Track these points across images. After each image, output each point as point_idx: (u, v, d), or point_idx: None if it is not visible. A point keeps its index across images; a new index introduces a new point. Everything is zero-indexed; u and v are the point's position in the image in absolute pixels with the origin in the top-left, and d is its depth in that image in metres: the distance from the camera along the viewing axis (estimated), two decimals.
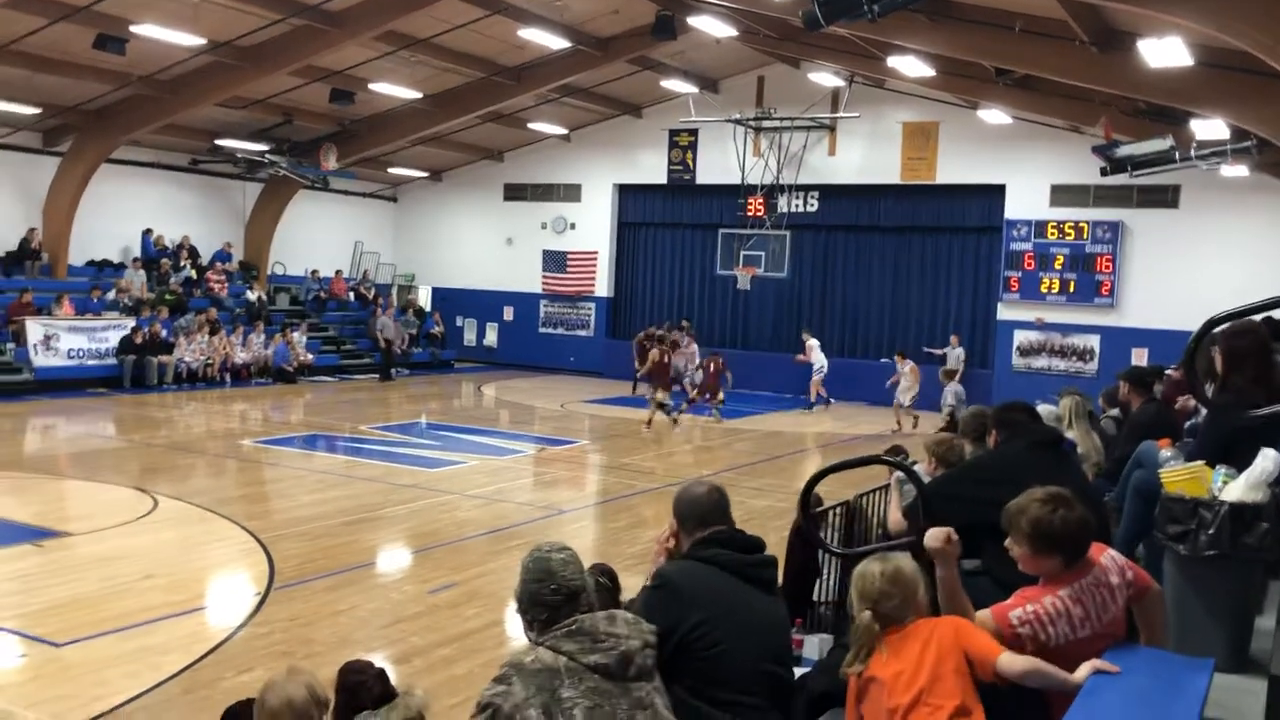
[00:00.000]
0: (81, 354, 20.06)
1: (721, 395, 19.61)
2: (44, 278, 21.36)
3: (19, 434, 15.84)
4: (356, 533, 10.32)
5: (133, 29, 16.84)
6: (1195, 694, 2.92)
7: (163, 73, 19.54)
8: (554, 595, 2.89)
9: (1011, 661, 2.95)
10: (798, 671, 4.97)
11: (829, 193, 24.43)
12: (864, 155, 23.76)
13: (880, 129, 23.31)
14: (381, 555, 9.98)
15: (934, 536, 3.23)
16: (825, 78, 21.83)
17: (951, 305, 23.99)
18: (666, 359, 18.66)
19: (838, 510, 6.47)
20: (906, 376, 19.47)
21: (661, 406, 18.06)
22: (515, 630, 7.58)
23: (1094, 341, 22.03)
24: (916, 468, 5.96)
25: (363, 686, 3.76)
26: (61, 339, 19.79)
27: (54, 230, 21.83)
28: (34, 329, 19.35)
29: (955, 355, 21.08)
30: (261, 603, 8.00)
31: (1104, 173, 18.60)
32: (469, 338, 28.90)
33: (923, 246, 24.20)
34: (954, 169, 22.86)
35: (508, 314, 28.46)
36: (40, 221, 21.84)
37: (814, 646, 5.78)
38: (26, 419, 16.75)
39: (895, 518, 5.50)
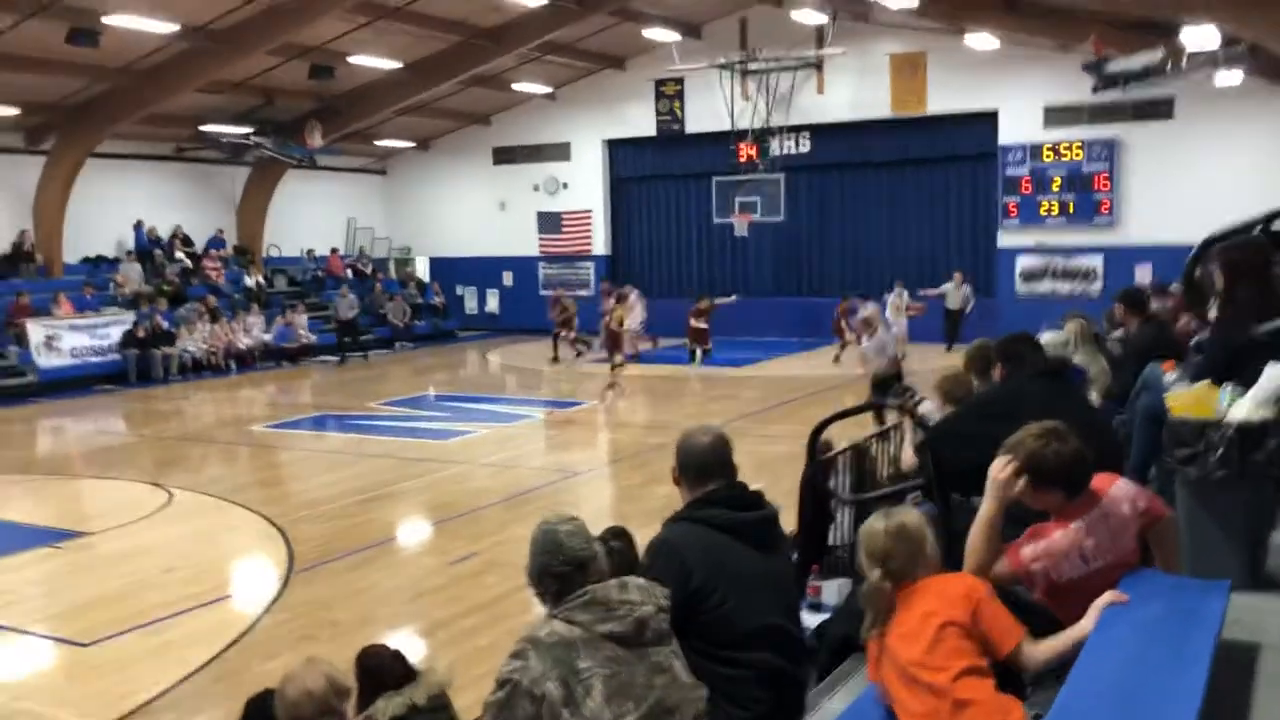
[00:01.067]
0: (84, 352, 20.05)
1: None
2: (40, 278, 21.32)
3: (29, 437, 15.90)
4: (372, 510, 10.36)
5: (104, 20, 16.64)
6: (1212, 618, 2.91)
7: (139, 62, 19.36)
8: (563, 567, 2.89)
9: (1033, 653, 2.88)
10: (819, 618, 5.00)
11: (820, 132, 24.20)
12: (853, 91, 23.49)
13: (868, 63, 23.03)
14: (399, 531, 10.02)
15: (996, 467, 3.17)
16: (808, 15, 21.51)
17: (951, 236, 23.84)
18: (618, 325, 19.21)
19: (847, 454, 6.45)
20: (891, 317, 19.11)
21: (615, 369, 18.24)
22: (533, 599, 7.62)
23: (1096, 262, 21.89)
24: (925, 405, 5.95)
25: (383, 669, 3.77)
26: (63, 338, 19.77)
27: (46, 230, 21.75)
28: (35, 330, 19.33)
29: (962, 294, 20.87)
30: (283, 588, 8.05)
31: (1096, 90, 18.38)
32: (470, 306, 28.85)
33: (918, 179, 24.00)
34: (945, 98, 22.60)
35: (507, 279, 28.37)
36: (31, 222, 21.75)
37: (833, 591, 5.76)
38: (35, 421, 16.80)
39: (908, 456, 5.49)
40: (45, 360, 19.33)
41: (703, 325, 21.03)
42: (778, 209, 23.38)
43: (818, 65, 23.47)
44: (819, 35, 22.81)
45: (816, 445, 4.98)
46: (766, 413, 14.98)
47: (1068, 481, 3.16)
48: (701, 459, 3.40)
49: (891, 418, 7.08)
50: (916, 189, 24.03)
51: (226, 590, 8.34)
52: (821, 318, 23.07)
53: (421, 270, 29.29)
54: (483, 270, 28.46)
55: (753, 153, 23.68)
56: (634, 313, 20.65)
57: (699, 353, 20.80)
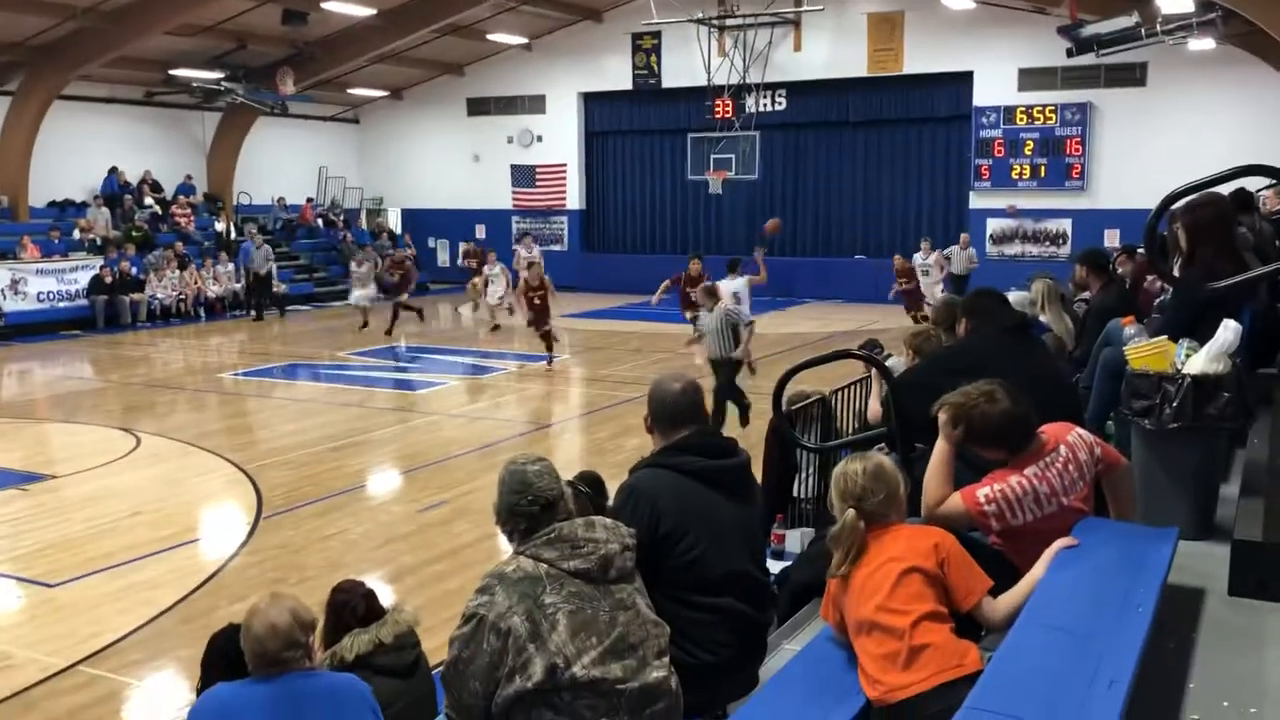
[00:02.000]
0: (52, 297, 19.84)
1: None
2: (5, 220, 21.00)
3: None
4: (342, 458, 10.37)
5: None
6: (1159, 563, 3.00)
7: (106, 2, 18.98)
8: (531, 505, 2.92)
9: (993, 609, 2.95)
10: (781, 565, 5.10)
11: (797, 90, 24.13)
12: (830, 50, 23.41)
13: (845, 22, 22.94)
14: (369, 479, 10.05)
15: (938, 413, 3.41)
16: None
17: (924, 198, 23.92)
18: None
19: (814, 408, 6.53)
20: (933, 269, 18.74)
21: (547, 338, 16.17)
22: (506, 543, 7.68)
23: (1066, 225, 22.07)
24: (893, 360, 6.02)
25: (347, 606, 3.82)
26: (29, 282, 19.53)
27: (10, 172, 21.38)
28: (1, 274, 19.08)
29: (966, 256, 20.08)
30: (251, 532, 8.07)
31: (1070, 54, 18.44)
32: (442, 259, 28.67)
33: (893, 139, 24.03)
34: (921, 59, 22.58)
35: (480, 232, 28.16)
36: None
37: (795, 540, 5.88)
38: (1, 365, 16.62)
39: (874, 408, 5.56)
40: (11, 304, 19.12)
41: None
42: (752, 167, 23.33)
43: (795, 22, 23.37)
44: None
45: (782, 395, 5.03)
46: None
47: (1001, 440, 3.33)
48: (674, 406, 3.42)
49: (858, 371, 7.15)
50: (891, 149, 24.07)
51: (194, 534, 8.34)
52: (793, 276, 23.15)
53: (393, 221, 29.06)
54: (456, 222, 28.26)
55: (728, 109, 23.60)
56: (495, 285, 18.86)
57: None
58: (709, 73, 23.58)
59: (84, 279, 20.19)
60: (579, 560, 2.84)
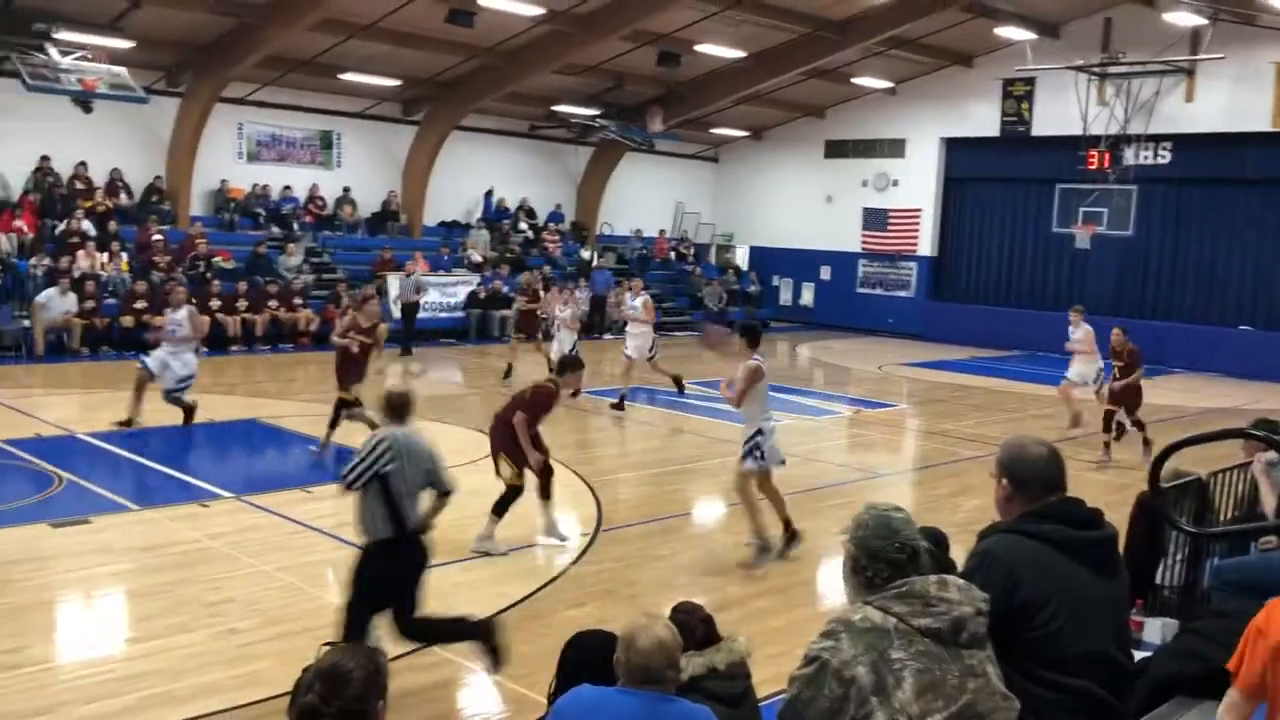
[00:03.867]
0: (434, 307, 21.96)
1: None
2: (402, 237, 23.52)
3: (382, 378, 17.45)
4: (676, 483, 10.68)
5: (481, 2, 18.04)
6: None
7: (506, 43, 20.82)
8: (898, 553, 2.82)
9: None
10: (1138, 655, 4.67)
11: (1184, 143, 22.29)
12: (1228, 101, 21.44)
13: (1248, 71, 20.93)
14: (699, 506, 10.28)
15: None
16: (1183, 16, 19.84)
17: None
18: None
19: (1190, 487, 5.95)
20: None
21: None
22: (829, 588, 7.58)
23: None
24: None
25: (686, 627, 3.89)
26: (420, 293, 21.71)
27: (411, 193, 23.96)
28: (394, 284, 21.36)
29: None
30: (590, 543, 8.46)
31: None
32: (785, 297, 28.95)
33: None
34: None
35: (825, 273, 28.22)
36: (400, 185, 24.01)
37: (1155, 630, 5.37)
38: (388, 364, 18.49)
39: (1273, 504, 5.01)
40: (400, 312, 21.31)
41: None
42: (1126, 223, 21.85)
43: (1189, 71, 21.62)
44: (1193, 38, 20.98)
45: (1160, 470, 4.62)
46: (1092, 438, 14.03)
47: None
48: (1045, 473, 3.21)
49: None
50: None
51: (540, 538, 8.86)
52: (1165, 343, 21.30)
53: (741, 258, 29.70)
54: (801, 262, 28.46)
55: (1104, 161, 22.18)
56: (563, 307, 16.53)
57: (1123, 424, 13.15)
58: (1085, 121, 22.31)
59: (462, 293, 22.20)
60: (930, 619, 2.73)
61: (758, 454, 8.29)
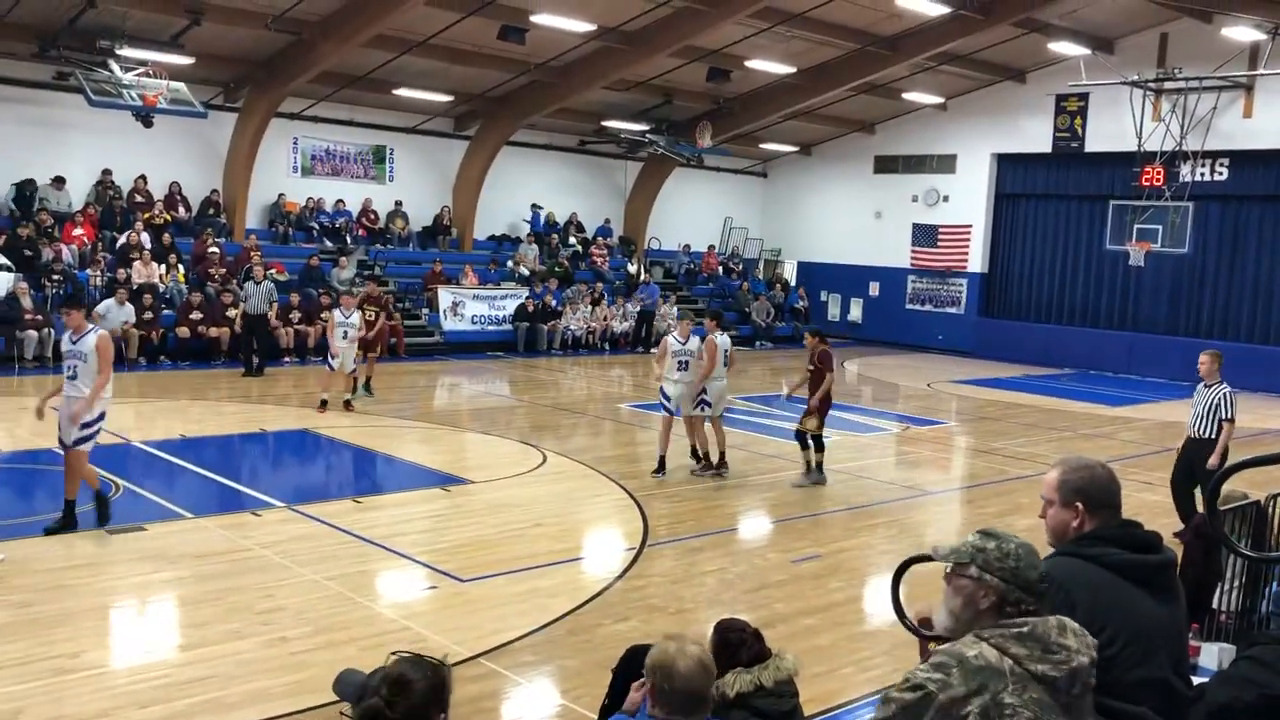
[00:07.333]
0: (483, 320, 22.15)
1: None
2: (453, 250, 23.75)
3: (431, 390, 17.78)
4: (722, 498, 10.65)
5: (532, 18, 18.22)
6: None
7: (557, 59, 20.98)
8: (1045, 585, 2.67)
9: None
10: (1194, 680, 4.57)
11: (1242, 159, 21.91)
12: None
13: None
14: (745, 522, 10.24)
15: None
16: (1242, 31, 19.53)
17: None
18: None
19: (1247, 511, 5.84)
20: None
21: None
22: (878, 608, 7.51)
23: None
24: None
25: (739, 644, 3.89)
26: (467, 306, 21.95)
27: (462, 207, 24.19)
28: (444, 297, 21.61)
29: None
30: (636, 557, 8.47)
31: None
32: (833, 313, 28.80)
33: None
34: None
35: (873, 289, 28.05)
36: (451, 199, 24.25)
37: (1212, 655, 5.28)
38: (437, 377, 18.74)
39: None
40: (450, 324, 21.57)
41: None
42: (1181, 240, 21.51)
43: (1248, 86, 21.26)
44: (1252, 53, 20.64)
45: (1218, 494, 4.53)
46: (1145, 458, 13.81)
47: None
48: (1110, 493, 3.13)
49: None
50: None
51: (586, 551, 8.90)
52: (1224, 362, 20.83)
53: (789, 273, 29.62)
54: (850, 278, 28.31)
55: (1158, 177, 21.85)
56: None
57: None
58: (1140, 138, 22.01)
59: (511, 306, 22.36)
60: (1048, 666, 2.58)
61: (705, 405, 11.44)
